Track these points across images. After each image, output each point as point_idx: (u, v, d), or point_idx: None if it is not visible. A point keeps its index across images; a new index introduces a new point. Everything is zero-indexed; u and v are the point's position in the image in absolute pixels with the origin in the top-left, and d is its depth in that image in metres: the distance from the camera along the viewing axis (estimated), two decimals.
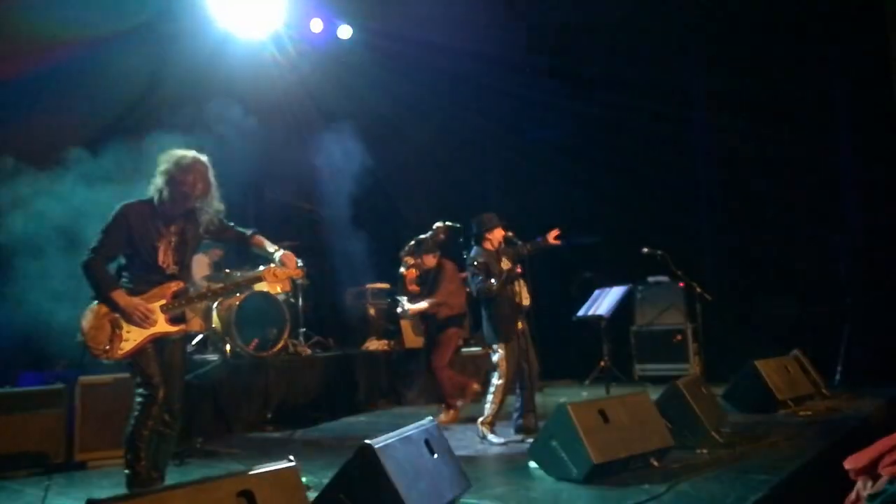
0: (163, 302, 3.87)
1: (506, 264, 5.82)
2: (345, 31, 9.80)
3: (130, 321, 3.77)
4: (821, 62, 8.48)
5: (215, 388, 6.66)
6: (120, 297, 3.75)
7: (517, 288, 5.79)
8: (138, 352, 3.78)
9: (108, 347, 3.72)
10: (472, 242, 5.99)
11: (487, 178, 10.95)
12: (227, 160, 4.54)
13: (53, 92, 6.56)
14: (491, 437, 5.65)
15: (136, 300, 3.79)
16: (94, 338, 3.73)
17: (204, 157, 3.97)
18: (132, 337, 3.76)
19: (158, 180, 3.88)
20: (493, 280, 5.68)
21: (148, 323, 3.78)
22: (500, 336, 5.72)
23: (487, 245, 5.89)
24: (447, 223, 8.89)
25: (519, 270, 5.79)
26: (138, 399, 3.79)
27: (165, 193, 3.86)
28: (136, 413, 3.78)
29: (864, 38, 8.25)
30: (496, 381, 5.74)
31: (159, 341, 3.88)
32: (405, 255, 8.88)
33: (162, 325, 3.85)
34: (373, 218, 9.72)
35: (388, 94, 9.46)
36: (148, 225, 3.87)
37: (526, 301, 5.85)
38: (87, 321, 3.75)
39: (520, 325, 5.78)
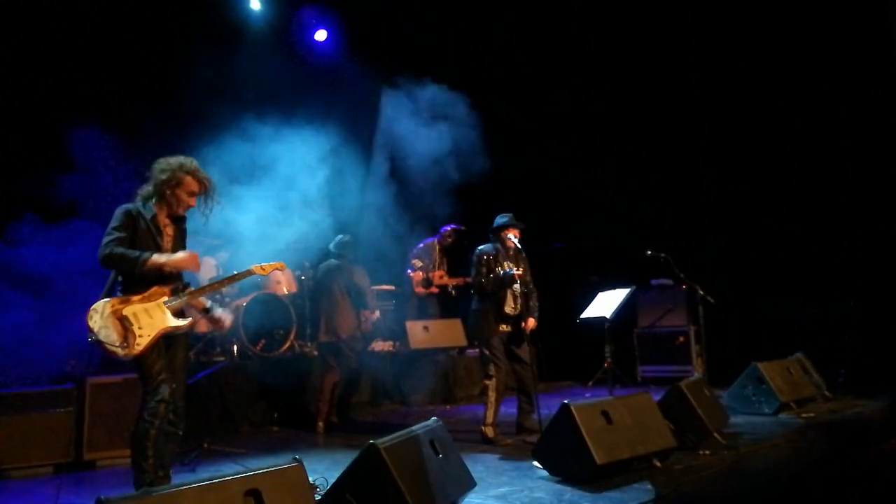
0: (165, 298, 3.95)
1: (507, 266, 5.86)
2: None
3: (187, 269, 4.02)
4: (818, 58, 8.48)
5: (222, 388, 6.72)
6: (160, 257, 3.89)
7: (504, 294, 5.84)
8: (149, 349, 3.81)
9: (124, 344, 3.75)
10: (490, 237, 6.08)
11: (496, 182, 10.94)
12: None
13: None
14: (493, 437, 5.69)
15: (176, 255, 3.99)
16: (108, 336, 3.74)
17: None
18: (146, 332, 3.80)
19: (158, 184, 4.01)
20: (490, 276, 5.76)
21: (195, 267, 4.04)
22: (479, 336, 5.86)
23: (500, 242, 5.95)
24: (453, 227, 8.95)
25: (519, 272, 5.83)
26: (146, 398, 3.84)
27: (168, 196, 4.01)
28: (143, 412, 3.83)
29: (864, 35, 8.27)
30: (486, 381, 5.84)
31: (166, 338, 3.94)
32: (413, 257, 8.94)
33: (171, 320, 3.92)
34: (379, 220, 9.72)
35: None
36: (149, 226, 3.99)
37: (513, 310, 5.88)
38: (94, 322, 3.76)
39: (503, 328, 5.85)
